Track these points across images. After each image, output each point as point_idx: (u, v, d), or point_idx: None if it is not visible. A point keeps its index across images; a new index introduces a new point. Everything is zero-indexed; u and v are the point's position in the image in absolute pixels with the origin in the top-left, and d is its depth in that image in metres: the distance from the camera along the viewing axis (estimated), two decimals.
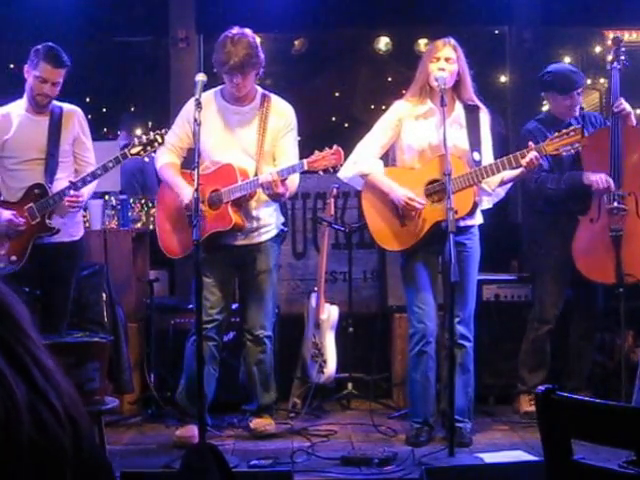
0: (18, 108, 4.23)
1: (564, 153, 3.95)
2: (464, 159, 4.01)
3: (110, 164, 4.03)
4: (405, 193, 4.00)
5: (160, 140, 3.99)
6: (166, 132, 4.06)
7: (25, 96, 4.21)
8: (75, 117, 4.27)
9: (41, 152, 4.17)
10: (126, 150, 4.02)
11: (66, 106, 4.27)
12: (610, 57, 4.48)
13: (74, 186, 4.06)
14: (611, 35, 4.54)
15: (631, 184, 4.36)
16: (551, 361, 4.64)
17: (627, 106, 4.39)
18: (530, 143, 3.94)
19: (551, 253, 4.58)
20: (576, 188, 4.41)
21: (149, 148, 4.01)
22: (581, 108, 4.71)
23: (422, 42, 6.15)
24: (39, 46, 4.10)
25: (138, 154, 4.02)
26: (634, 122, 4.45)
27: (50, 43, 4.12)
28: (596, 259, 4.35)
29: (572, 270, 4.55)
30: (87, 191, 4.17)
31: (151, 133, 4.02)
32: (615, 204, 4.30)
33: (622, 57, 4.44)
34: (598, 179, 4.32)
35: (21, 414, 1.03)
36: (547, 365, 4.61)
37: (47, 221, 4.12)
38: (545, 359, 4.61)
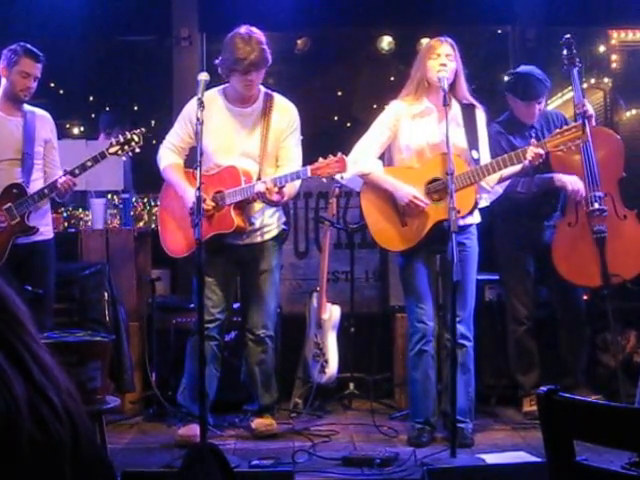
0: None
1: (565, 150, 3.95)
2: (463, 157, 4.01)
3: (89, 163, 4.12)
4: (410, 191, 3.99)
5: (137, 139, 4.07)
6: (142, 131, 4.11)
7: None
8: (48, 121, 4.36)
9: (17, 152, 4.21)
10: (104, 149, 4.08)
11: (38, 110, 4.35)
12: (566, 60, 4.43)
13: (70, 174, 4.10)
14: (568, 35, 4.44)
15: (606, 185, 4.38)
16: (547, 360, 4.63)
17: (590, 108, 4.38)
18: (532, 140, 3.94)
19: (511, 254, 4.58)
20: (547, 190, 4.43)
21: (127, 147, 4.10)
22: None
23: (425, 42, 6.13)
24: (13, 46, 4.18)
25: (116, 153, 4.10)
26: (594, 123, 4.44)
27: (22, 42, 4.21)
28: (580, 263, 4.35)
29: (530, 265, 4.55)
30: None
31: (127, 133, 4.09)
32: (596, 205, 4.31)
33: (577, 58, 4.42)
34: (572, 181, 4.35)
35: (21, 410, 1.03)
36: (537, 364, 4.61)
37: (26, 221, 4.14)
38: (533, 358, 4.61)
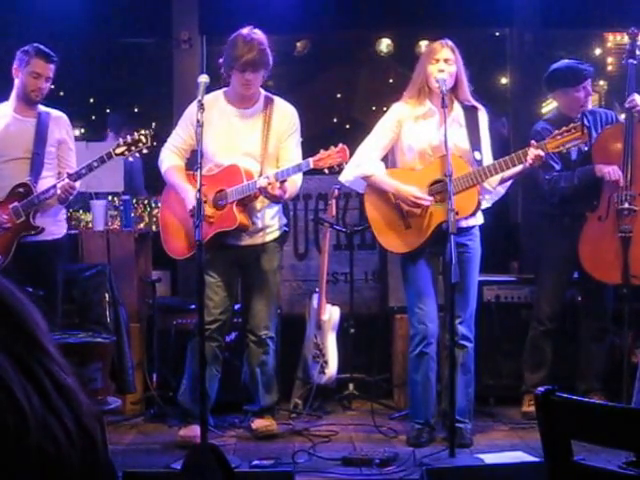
0: (4, 108, 4.31)
1: (565, 151, 3.96)
2: (465, 159, 4.03)
3: (95, 164, 4.11)
4: (411, 191, 4.01)
5: (144, 140, 4.05)
6: (150, 132, 4.10)
7: (13, 97, 4.30)
8: (62, 122, 4.38)
9: (27, 152, 4.24)
10: (111, 150, 4.08)
11: (53, 111, 4.38)
12: (627, 52, 4.44)
13: (69, 178, 4.11)
14: (621, 37, 4.49)
15: None
16: (561, 363, 4.65)
17: None
18: (532, 141, 3.95)
19: (550, 254, 4.60)
20: (589, 183, 4.41)
21: (133, 148, 4.08)
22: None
23: (423, 44, 6.14)
24: (26, 47, 4.23)
25: (122, 154, 4.09)
26: None
27: (35, 43, 4.25)
28: (602, 258, 4.34)
29: (573, 271, 4.57)
30: None
31: (135, 133, 4.08)
32: (626, 205, 4.27)
33: (638, 52, 4.40)
34: (611, 170, 4.31)
35: (29, 423, 1.03)
36: (547, 365, 4.62)
37: (32, 220, 4.16)
38: (545, 359, 4.62)
